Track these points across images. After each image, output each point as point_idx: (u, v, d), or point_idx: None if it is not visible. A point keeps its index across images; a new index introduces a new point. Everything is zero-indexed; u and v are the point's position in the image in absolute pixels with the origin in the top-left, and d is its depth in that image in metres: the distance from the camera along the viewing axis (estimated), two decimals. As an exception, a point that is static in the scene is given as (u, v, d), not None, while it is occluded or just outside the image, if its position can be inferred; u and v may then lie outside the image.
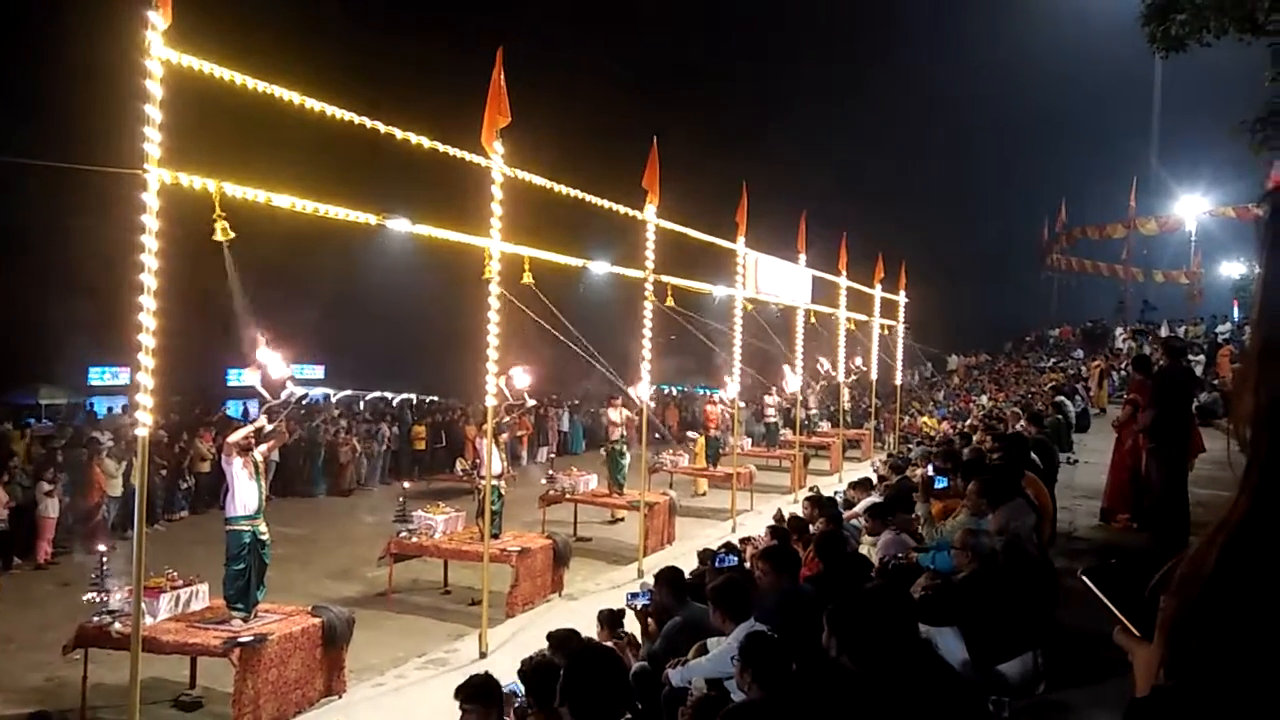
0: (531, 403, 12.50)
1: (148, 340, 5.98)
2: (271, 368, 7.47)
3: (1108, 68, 36.04)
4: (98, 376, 27.44)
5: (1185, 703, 1.02)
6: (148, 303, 5.95)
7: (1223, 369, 21.31)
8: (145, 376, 6.05)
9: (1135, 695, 1.15)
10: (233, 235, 6.11)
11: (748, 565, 7.02)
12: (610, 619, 6.29)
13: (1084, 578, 1.24)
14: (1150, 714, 1.10)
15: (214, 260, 6.21)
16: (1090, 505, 10.30)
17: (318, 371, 33.23)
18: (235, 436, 8.01)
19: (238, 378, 32.09)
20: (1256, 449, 1.02)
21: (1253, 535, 0.99)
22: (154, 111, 5.83)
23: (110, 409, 22.61)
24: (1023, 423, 12.58)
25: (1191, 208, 38.07)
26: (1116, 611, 1.20)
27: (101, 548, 8.16)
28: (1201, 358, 22.11)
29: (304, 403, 8.17)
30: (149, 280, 5.93)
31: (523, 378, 11.12)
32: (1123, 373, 23.38)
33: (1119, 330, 34.17)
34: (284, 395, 7.86)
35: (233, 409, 23.31)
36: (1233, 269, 38.30)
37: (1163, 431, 8.01)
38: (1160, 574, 1.15)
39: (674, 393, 32.88)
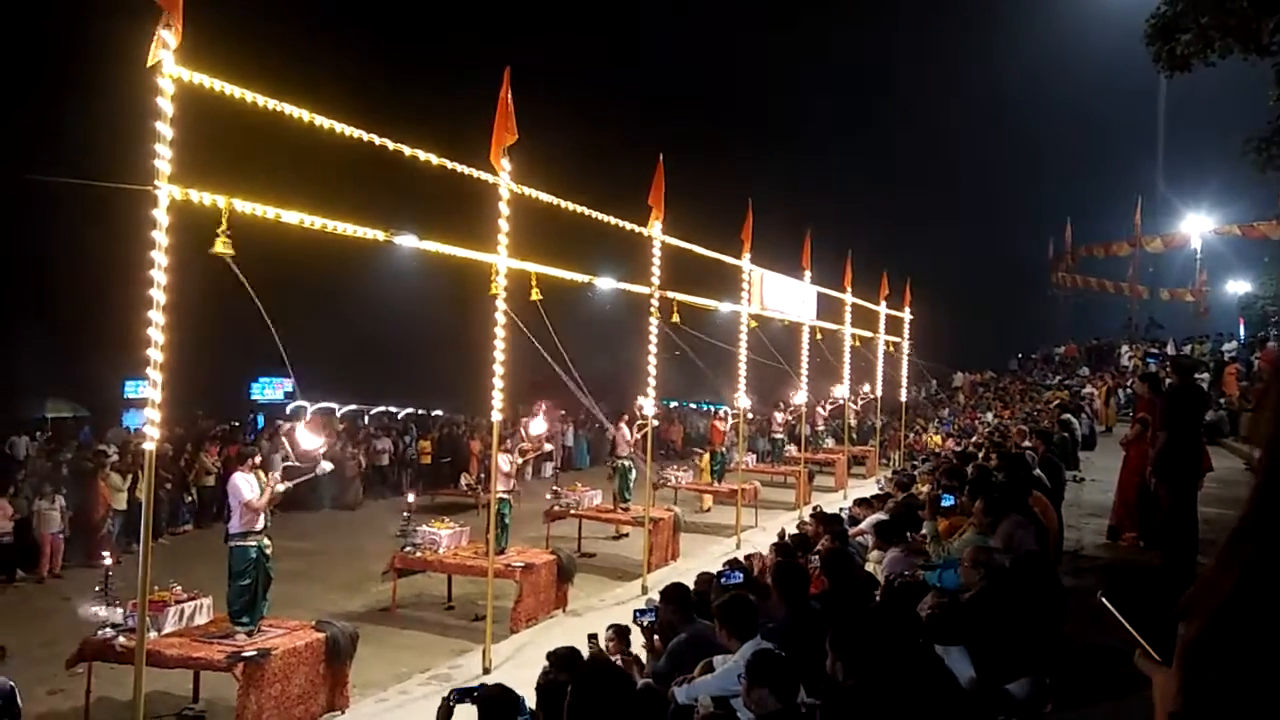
0: (548, 448, 12.93)
1: (156, 355, 6.01)
2: (305, 442, 7.92)
3: (1112, 87, 36.18)
4: (133, 390, 27.52)
5: None
6: (157, 317, 5.98)
7: (1229, 387, 21.26)
8: (154, 390, 6.08)
9: None
10: (232, 252, 6.15)
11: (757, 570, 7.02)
12: (621, 631, 6.30)
13: (1103, 599, 1.22)
14: None
15: (228, 275, 6.25)
16: (1098, 524, 10.27)
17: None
18: (253, 500, 8.05)
19: (260, 391, 32.40)
20: (1269, 471, 1.02)
21: (1267, 562, 0.99)
22: (165, 129, 5.88)
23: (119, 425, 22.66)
24: (1029, 440, 12.54)
25: (1197, 226, 38.07)
26: (1137, 635, 1.18)
27: (106, 561, 8.17)
28: (1207, 375, 22.04)
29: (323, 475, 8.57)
30: (159, 295, 5.97)
31: (540, 424, 11.41)
32: (1129, 390, 23.32)
33: (1124, 348, 34.10)
34: (311, 466, 8.11)
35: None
36: (1238, 287, 38.27)
37: (1173, 451, 7.99)
38: (1185, 598, 1.14)
39: (679, 408, 32.85)
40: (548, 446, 12.86)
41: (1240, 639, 0.96)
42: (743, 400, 15.68)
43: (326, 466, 8.48)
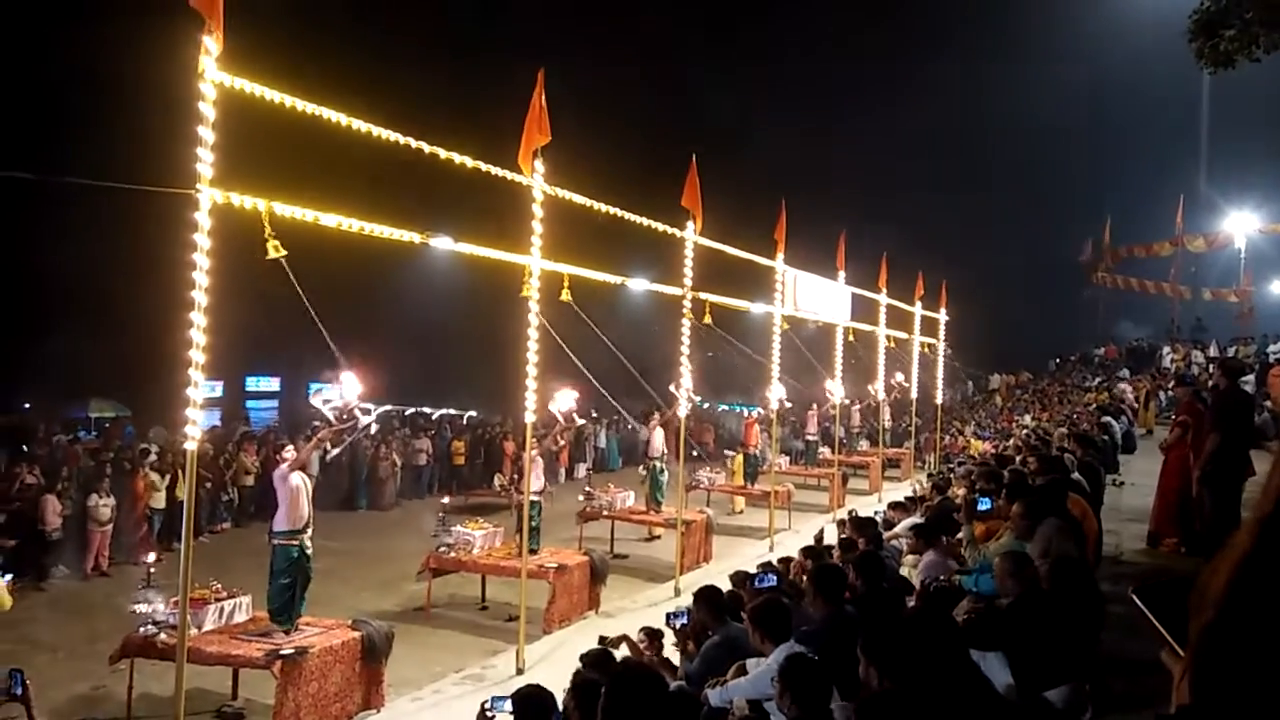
0: (581, 422, 12.69)
1: (197, 356, 6.11)
2: (347, 391, 7.72)
3: (1153, 84, 35.51)
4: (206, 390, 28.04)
5: None
6: (198, 319, 6.08)
7: (1274, 389, 20.78)
8: (194, 391, 6.18)
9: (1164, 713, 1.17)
10: (285, 253, 6.25)
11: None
12: (652, 633, 6.31)
13: (1134, 597, 1.25)
14: None
15: (245, 278, 6.35)
16: (1137, 528, 10.08)
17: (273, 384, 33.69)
18: (298, 454, 8.16)
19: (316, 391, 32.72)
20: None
21: (1259, 563, 1.02)
22: (206, 133, 5.99)
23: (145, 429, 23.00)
24: (1068, 443, 12.36)
25: (1241, 225, 37.33)
26: (1164, 632, 1.20)
27: (149, 559, 8.32)
28: (1251, 378, 21.57)
29: (365, 428, 8.24)
30: (200, 297, 6.07)
31: (568, 399, 11.31)
32: (1169, 393, 22.89)
33: (1166, 349, 33.50)
34: (348, 421, 8.05)
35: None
36: (1285, 287, 37.47)
37: (1223, 454, 7.85)
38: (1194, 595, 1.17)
39: (711, 409, 32.76)
40: (580, 421, 12.66)
41: (1237, 632, 1.00)
42: (777, 390, 15.52)
43: (365, 420, 8.20)
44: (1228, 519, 7.75)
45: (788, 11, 47.88)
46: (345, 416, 7.96)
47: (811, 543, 9.15)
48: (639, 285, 11.89)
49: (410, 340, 32.05)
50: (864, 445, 24.95)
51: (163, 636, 7.53)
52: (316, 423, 8.13)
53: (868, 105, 46.68)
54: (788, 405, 17.71)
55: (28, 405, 24.64)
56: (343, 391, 7.78)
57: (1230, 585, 1.04)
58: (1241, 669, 1.00)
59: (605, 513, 14.51)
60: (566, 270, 9.71)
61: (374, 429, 23.55)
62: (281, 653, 7.34)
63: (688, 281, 12.34)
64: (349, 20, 30.98)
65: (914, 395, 24.30)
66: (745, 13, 47.31)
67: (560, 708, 4.35)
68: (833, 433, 21.02)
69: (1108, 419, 16.79)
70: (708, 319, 12.81)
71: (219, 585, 8.36)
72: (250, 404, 31.59)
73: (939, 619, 4.07)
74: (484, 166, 8.37)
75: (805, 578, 5.94)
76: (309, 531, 8.16)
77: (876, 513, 11.43)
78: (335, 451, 8.29)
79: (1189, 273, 40.19)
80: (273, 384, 34.38)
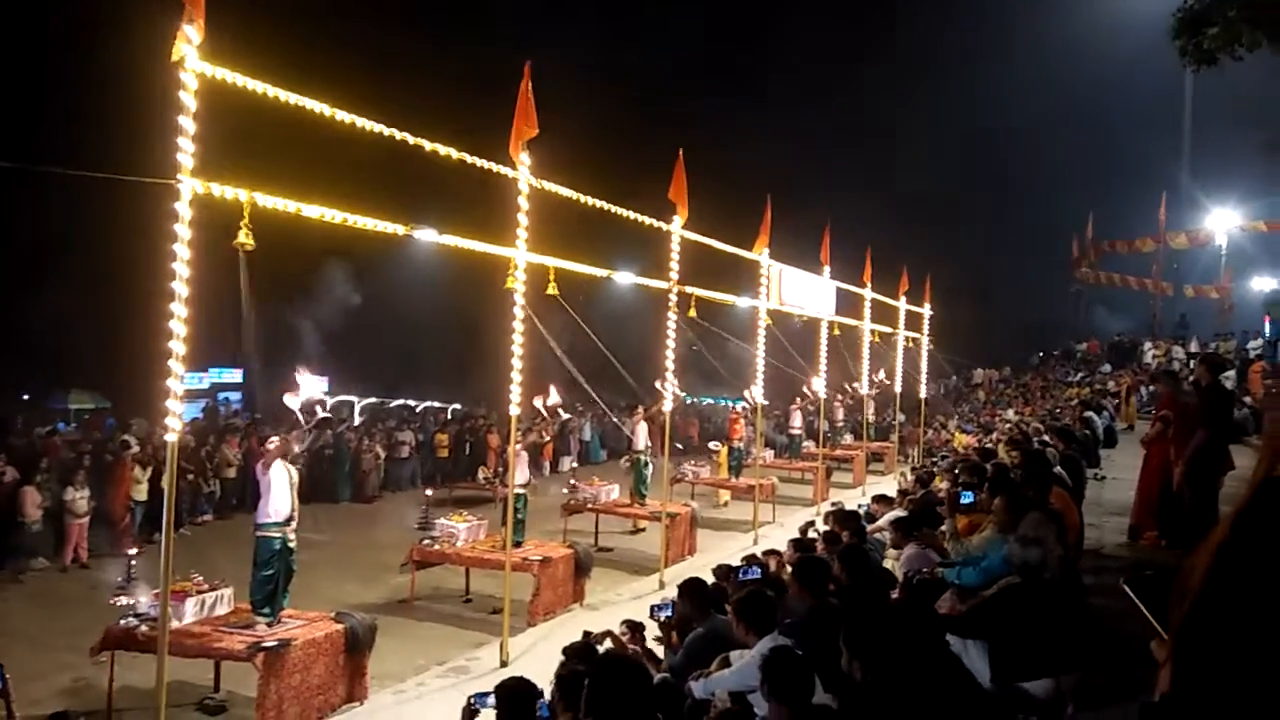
0: (566, 417, 12.76)
1: (178, 347, 6.06)
2: (306, 390, 7.74)
3: (1137, 81, 35.74)
4: (190, 381, 27.75)
5: (1183, 711, 1.08)
6: (179, 310, 6.03)
7: (1254, 385, 21.00)
8: (175, 383, 6.13)
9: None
10: (252, 246, 6.20)
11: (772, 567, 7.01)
12: (634, 626, 6.32)
13: (1125, 587, 1.28)
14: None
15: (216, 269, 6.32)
16: (1118, 522, 10.17)
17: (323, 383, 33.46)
18: (278, 446, 8.15)
19: (220, 377, 32.49)
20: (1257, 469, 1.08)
21: (1234, 554, 1.05)
22: (188, 123, 5.93)
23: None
24: (1047, 436, 12.44)
25: (1222, 222, 37.67)
26: (1154, 622, 1.23)
27: (130, 551, 8.26)
28: (1233, 374, 21.77)
29: (325, 423, 8.32)
30: (180, 288, 6.02)
31: (553, 395, 11.39)
32: (1150, 389, 23.10)
33: (1148, 345, 33.79)
34: (312, 419, 8.05)
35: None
36: (1264, 283, 37.82)
37: (1209, 450, 7.95)
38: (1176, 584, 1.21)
39: (696, 403, 32.79)
40: (565, 416, 12.87)
41: (1213, 621, 1.03)
42: (761, 384, 15.53)
43: (321, 414, 8.34)
44: (1207, 513, 7.83)
45: (780, 9, 47.88)
46: (309, 413, 8.00)
47: (797, 535, 9.18)
48: (625, 279, 11.88)
49: (394, 333, 31.90)
50: (848, 439, 25.03)
51: (144, 628, 7.48)
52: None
53: (855, 102, 46.75)
54: (764, 404, 17.70)
55: (26, 396, 24.54)
56: (303, 389, 7.86)
57: (1207, 575, 1.06)
58: (1218, 657, 1.03)
59: (590, 506, 14.51)
60: (552, 263, 9.69)
61: (358, 420, 23.55)
62: (264, 645, 7.30)
63: (674, 275, 12.34)
64: (330, 10, 30.74)
65: (898, 389, 24.38)
66: (737, 9, 47.31)
67: (545, 699, 4.35)
68: (817, 426, 21.06)
69: (1089, 414, 16.90)
70: (693, 312, 12.81)
71: (200, 577, 8.32)
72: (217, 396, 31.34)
73: (921, 612, 4.09)
74: (469, 158, 8.33)
75: (790, 568, 5.96)
76: (293, 524, 8.12)
77: (860, 506, 11.48)
78: (299, 450, 8.29)
79: (1171, 269, 40.55)
80: (235, 376, 34.22)
